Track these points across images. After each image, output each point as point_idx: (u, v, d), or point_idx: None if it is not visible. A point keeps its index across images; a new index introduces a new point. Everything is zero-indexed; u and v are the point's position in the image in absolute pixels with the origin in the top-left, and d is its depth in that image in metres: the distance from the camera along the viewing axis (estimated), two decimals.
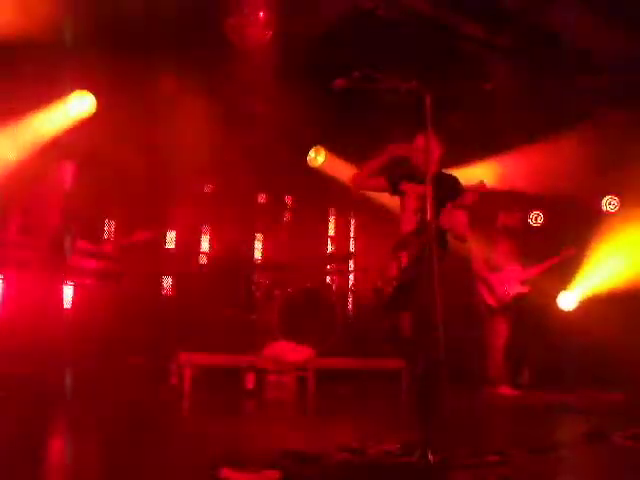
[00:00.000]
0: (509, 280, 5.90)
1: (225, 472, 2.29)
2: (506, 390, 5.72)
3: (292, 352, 5.24)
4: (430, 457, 2.42)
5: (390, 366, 6.12)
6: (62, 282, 5.15)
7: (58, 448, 2.98)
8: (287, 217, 7.62)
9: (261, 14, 4.99)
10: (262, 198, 8.12)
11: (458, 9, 5.16)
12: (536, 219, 7.91)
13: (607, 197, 7.37)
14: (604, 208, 7.36)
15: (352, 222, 8.42)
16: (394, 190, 3.75)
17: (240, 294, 6.49)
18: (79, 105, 5.77)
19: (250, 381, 5.14)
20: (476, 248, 6.00)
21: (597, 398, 5.51)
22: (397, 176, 3.76)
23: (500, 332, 5.88)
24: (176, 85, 5.79)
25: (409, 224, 3.56)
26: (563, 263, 6.15)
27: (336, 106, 5.80)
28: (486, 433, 3.70)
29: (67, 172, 5.33)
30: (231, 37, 5.08)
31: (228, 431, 3.51)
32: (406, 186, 3.71)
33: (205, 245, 7.70)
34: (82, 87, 5.76)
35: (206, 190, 7.77)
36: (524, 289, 5.95)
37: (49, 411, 3.80)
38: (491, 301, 5.93)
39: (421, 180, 3.52)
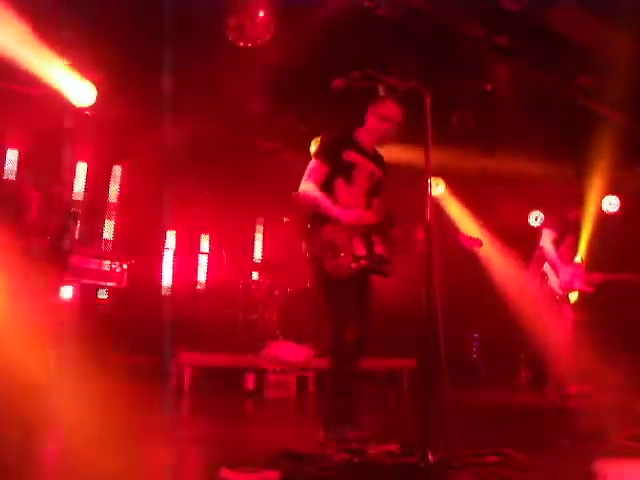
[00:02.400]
0: (574, 275, 5.75)
1: (225, 472, 2.29)
2: (578, 389, 5.61)
3: (292, 352, 5.24)
4: (430, 457, 2.42)
5: (390, 366, 6.13)
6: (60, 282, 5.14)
7: (55, 448, 2.98)
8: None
9: (261, 14, 4.99)
10: (262, 197, 8.14)
11: (458, 9, 5.15)
12: (536, 219, 7.93)
13: (607, 197, 7.38)
14: (604, 208, 7.37)
15: None
16: (335, 162, 3.24)
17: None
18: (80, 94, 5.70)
19: (250, 381, 5.15)
20: (548, 234, 5.85)
21: (597, 398, 5.50)
22: (336, 142, 3.31)
23: (567, 321, 5.70)
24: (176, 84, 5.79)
25: (356, 205, 3.23)
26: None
27: (336, 104, 5.79)
28: (486, 433, 3.70)
29: None
30: (231, 36, 5.07)
31: (228, 431, 3.51)
32: (355, 157, 3.28)
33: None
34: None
35: (206, 192, 7.79)
36: (589, 288, 5.79)
37: (46, 409, 3.79)
38: (556, 287, 5.72)
39: (369, 155, 3.37)
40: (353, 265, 3.12)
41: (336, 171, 3.27)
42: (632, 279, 5.67)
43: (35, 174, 5.43)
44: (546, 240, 5.75)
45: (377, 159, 3.44)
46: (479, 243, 3.46)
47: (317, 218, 3.22)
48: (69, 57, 5.38)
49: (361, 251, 3.16)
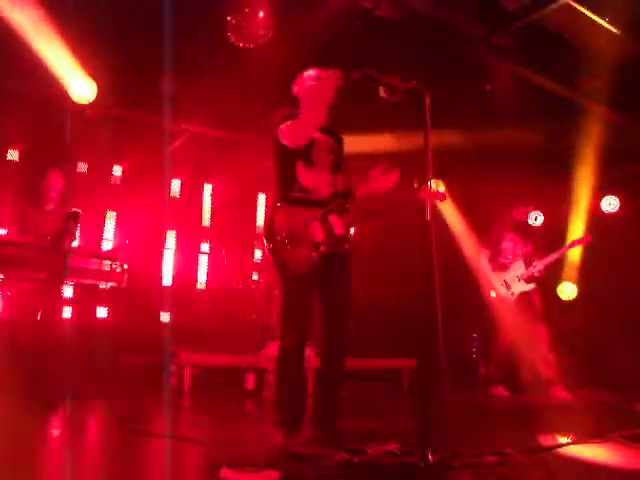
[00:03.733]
0: (513, 278, 5.86)
1: (225, 472, 2.29)
2: (500, 391, 5.72)
3: None
4: (430, 457, 2.42)
5: (390, 366, 6.13)
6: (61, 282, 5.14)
7: (56, 449, 2.98)
8: None
9: (261, 14, 4.98)
10: (262, 199, 8.16)
11: (458, 9, 5.15)
12: (535, 219, 7.92)
13: (607, 197, 7.38)
14: (604, 208, 7.36)
15: None
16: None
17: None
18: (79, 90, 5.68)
19: (250, 381, 5.14)
20: (483, 243, 6.08)
21: (597, 398, 5.51)
22: (289, 117, 3.18)
23: (501, 332, 5.87)
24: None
25: (322, 186, 3.16)
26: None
27: (335, 104, 5.79)
28: (486, 433, 3.70)
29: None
30: (231, 36, 5.07)
31: (228, 431, 3.51)
32: (316, 134, 3.18)
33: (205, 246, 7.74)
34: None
35: (206, 190, 7.82)
36: (528, 288, 5.86)
37: (47, 410, 3.80)
38: (493, 298, 5.90)
39: (322, 130, 3.25)
40: (313, 255, 3.03)
41: (294, 152, 3.14)
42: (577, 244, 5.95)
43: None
44: (482, 262, 6.08)
45: (331, 133, 3.34)
46: (441, 196, 3.49)
47: (277, 209, 3.11)
48: (71, 54, 5.39)
49: (319, 236, 3.07)
